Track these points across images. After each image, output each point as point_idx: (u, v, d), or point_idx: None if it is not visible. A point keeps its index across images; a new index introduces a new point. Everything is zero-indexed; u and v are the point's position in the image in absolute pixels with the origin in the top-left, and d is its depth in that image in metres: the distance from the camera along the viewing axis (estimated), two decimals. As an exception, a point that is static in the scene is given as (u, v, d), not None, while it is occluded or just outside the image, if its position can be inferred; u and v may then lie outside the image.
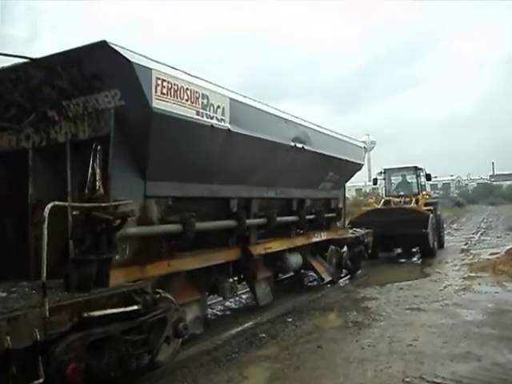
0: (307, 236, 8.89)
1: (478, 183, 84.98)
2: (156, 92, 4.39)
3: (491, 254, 12.90)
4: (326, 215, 9.51)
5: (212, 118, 5.17)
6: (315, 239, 9.24)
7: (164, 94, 4.49)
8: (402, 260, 14.07)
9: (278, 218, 7.35)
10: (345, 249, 10.67)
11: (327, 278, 9.43)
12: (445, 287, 8.98)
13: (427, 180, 15.88)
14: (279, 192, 7.65)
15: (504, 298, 7.83)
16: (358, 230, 11.77)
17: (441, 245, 15.18)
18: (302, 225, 8.30)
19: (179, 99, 4.68)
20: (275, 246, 7.60)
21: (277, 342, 5.88)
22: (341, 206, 10.65)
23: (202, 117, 5.02)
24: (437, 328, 6.06)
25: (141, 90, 4.26)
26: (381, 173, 16.59)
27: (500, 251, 13.08)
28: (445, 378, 4.36)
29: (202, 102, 5.02)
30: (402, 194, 15.45)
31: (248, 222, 6.39)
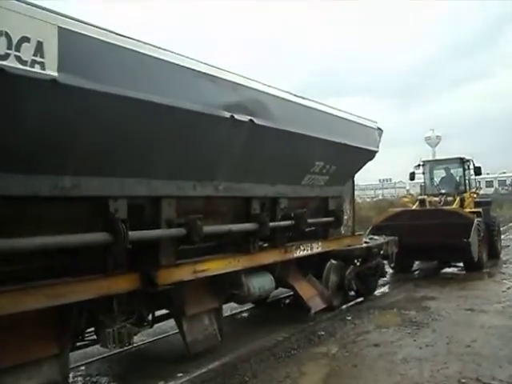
0: (284, 250, 6.42)
1: (552, 179, 77.35)
2: None
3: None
4: (316, 220, 7.01)
5: (4, 58, 2.92)
6: (300, 253, 6.75)
7: None
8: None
9: (213, 227, 5.00)
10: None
11: (317, 307, 6.87)
12: (508, 288, 8.64)
13: (476, 174, 12.58)
14: (223, 188, 5.25)
15: None
16: (376, 237, 9.13)
17: (495, 255, 12.02)
18: (262, 235, 5.75)
19: None
20: (216, 266, 5.21)
21: (335, 339, 5.87)
22: (346, 207, 8.07)
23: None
24: (496, 330, 5.95)
25: None
26: (419, 165, 13.45)
27: None
28: (502, 381, 4.26)
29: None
30: (442, 191, 12.36)
31: (133, 234, 3.98)
